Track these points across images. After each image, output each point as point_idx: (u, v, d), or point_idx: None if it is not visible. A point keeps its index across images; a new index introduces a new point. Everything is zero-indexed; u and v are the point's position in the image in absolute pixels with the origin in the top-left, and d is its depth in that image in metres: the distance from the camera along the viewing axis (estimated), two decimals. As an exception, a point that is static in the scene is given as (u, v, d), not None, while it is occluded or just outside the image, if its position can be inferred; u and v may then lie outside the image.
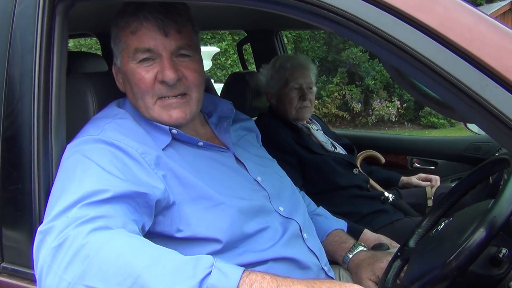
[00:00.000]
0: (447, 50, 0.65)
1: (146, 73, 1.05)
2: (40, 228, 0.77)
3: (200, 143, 1.10)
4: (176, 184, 0.97)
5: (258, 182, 1.14)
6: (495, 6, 13.60)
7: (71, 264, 0.71)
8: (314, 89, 1.99)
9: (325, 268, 1.18)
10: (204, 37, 8.53)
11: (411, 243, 1.16)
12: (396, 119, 10.39)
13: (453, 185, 1.90)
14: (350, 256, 1.29)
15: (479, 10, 0.68)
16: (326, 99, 9.95)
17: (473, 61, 0.64)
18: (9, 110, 0.90)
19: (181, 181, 0.97)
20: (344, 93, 10.26)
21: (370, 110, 10.42)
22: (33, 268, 0.76)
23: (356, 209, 1.78)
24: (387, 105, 10.33)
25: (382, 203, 1.83)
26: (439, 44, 0.65)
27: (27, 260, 0.87)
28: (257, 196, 1.11)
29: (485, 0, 14.54)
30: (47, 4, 0.93)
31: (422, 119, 10.59)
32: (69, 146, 0.93)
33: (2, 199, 0.89)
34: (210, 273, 0.67)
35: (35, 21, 0.92)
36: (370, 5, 0.68)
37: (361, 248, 1.31)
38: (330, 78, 10.19)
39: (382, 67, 10.36)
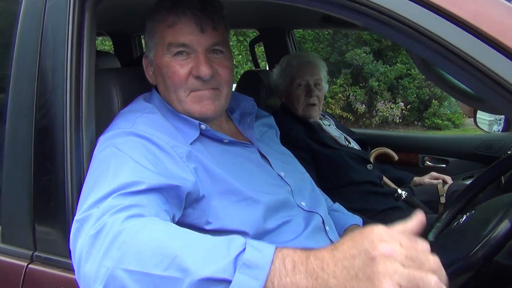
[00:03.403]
0: (480, 41, 0.67)
1: (181, 68, 1.07)
2: (76, 217, 0.78)
3: (226, 140, 1.12)
4: (205, 178, 0.98)
5: (281, 177, 1.16)
6: None
7: (109, 250, 0.73)
8: (325, 86, 2.01)
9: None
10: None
11: (430, 237, 1.17)
12: (400, 120, 10.40)
13: (465, 182, 1.92)
14: None
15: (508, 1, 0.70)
16: (330, 100, 9.96)
17: (505, 52, 0.66)
18: (42, 101, 0.92)
19: (210, 175, 0.99)
20: (348, 94, 10.27)
21: (374, 112, 10.43)
22: (70, 257, 0.78)
23: (370, 205, 1.79)
24: (391, 106, 10.35)
25: (395, 200, 1.85)
26: (472, 36, 0.67)
27: (59, 249, 0.89)
28: (281, 191, 1.12)
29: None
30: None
31: (426, 120, 10.59)
32: (101, 139, 0.94)
33: (35, 190, 0.91)
34: (244, 249, 0.68)
35: (66, 15, 0.94)
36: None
37: None
38: (333, 79, 10.20)
39: (387, 69, 10.38)
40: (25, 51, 0.96)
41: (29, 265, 0.90)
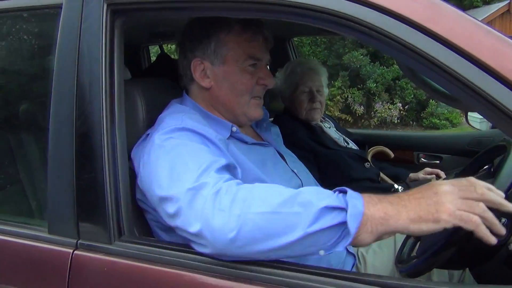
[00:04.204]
0: (453, 53, 0.81)
1: (251, 77, 1.25)
2: (188, 186, 0.93)
3: (250, 142, 1.29)
4: (240, 168, 1.14)
5: (295, 173, 1.33)
6: (493, 8, 13.76)
7: (234, 201, 0.88)
8: (326, 90, 2.16)
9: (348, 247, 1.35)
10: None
11: None
12: (398, 121, 10.52)
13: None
14: None
15: (477, 20, 0.84)
16: (329, 102, 10.08)
17: (474, 61, 0.80)
18: (81, 111, 1.06)
19: (242, 166, 1.15)
20: (346, 96, 10.40)
21: (372, 113, 10.55)
22: (110, 242, 0.92)
23: (368, 200, 1.93)
24: (389, 107, 10.47)
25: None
26: (447, 49, 0.81)
27: (100, 236, 1.03)
28: (295, 185, 1.28)
29: (482, 2, 14.71)
30: (108, 20, 1.08)
31: (424, 120, 10.70)
32: (156, 135, 1.09)
33: (77, 187, 1.05)
34: (346, 191, 0.89)
35: (100, 35, 1.07)
36: (391, 18, 0.84)
37: None
38: (332, 82, 10.34)
39: (383, 70, 10.52)
40: (63, 68, 1.10)
41: (75, 251, 1.04)
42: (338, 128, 2.22)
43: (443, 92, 0.97)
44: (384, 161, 2.28)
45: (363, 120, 10.49)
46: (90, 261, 1.03)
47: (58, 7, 1.13)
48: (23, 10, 1.22)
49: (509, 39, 0.79)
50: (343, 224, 0.85)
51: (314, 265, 0.96)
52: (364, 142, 2.23)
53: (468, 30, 0.82)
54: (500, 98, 0.78)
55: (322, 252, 0.88)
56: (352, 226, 0.83)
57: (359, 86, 10.51)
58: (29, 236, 1.11)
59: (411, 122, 10.78)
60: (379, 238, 0.87)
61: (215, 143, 1.10)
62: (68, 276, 1.02)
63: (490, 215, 0.83)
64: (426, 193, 0.86)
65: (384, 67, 10.62)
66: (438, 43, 0.82)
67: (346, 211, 0.84)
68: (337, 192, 0.90)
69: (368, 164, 2.05)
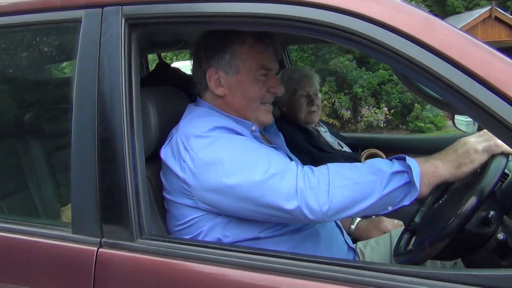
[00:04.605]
0: (446, 63, 0.91)
1: (262, 85, 1.36)
2: (273, 171, 1.13)
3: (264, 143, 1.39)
4: None
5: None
6: (475, 14, 14.09)
7: (319, 179, 1.11)
8: (320, 95, 2.27)
9: (347, 240, 1.45)
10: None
11: (417, 219, 1.42)
12: (385, 124, 10.70)
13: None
14: (353, 227, 1.74)
15: (467, 33, 0.95)
16: (316, 107, 10.22)
17: (463, 69, 0.90)
18: (103, 117, 1.14)
19: None
20: (333, 101, 10.54)
21: (359, 117, 10.71)
22: (133, 239, 1.00)
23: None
24: (376, 111, 10.64)
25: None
26: (440, 59, 0.91)
27: (123, 234, 1.11)
28: None
29: (465, 8, 15.04)
30: (126, 33, 1.17)
31: (410, 124, 10.90)
32: (192, 137, 1.22)
33: (100, 189, 1.13)
34: (403, 158, 1.13)
35: (119, 47, 1.15)
36: (391, 32, 0.94)
37: (358, 219, 1.75)
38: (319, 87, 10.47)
39: (369, 75, 10.70)
40: (84, 77, 1.18)
41: (99, 249, 1.11)
42: (332, 132, 2.33)
43: (436, 97, 1.07)
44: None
45: (350, 125, 10.64)
46: (115, 257, 1.10)
47: (78, 21, 1.21)
48: (45, 24, 1.29)
49: (496, 51, 0.90)
50: (408, 183, 1.10)
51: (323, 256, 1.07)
52: (357, 145, 2.34)
53: (459, 43, 0.92)
54: (488, 102, 0.88)
55: (390, 207, 1.14)
56: (417, 183, 1.08)
57: (345, 91, 10.67)
58: (54, 236, 1.19)
59: (398, 126, 10.96)
60: (432, 189, 1.13)
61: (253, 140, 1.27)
62: (94, 272, 1.09)
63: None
64: (457, 145, 1.14)
65: (370, 72, 10.81)
66: (432, 54, 0.92)
67: (408, 173, 1.09)
68: (394, 160, 1.14)
69: (361, 166, 2.15)
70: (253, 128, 1.36)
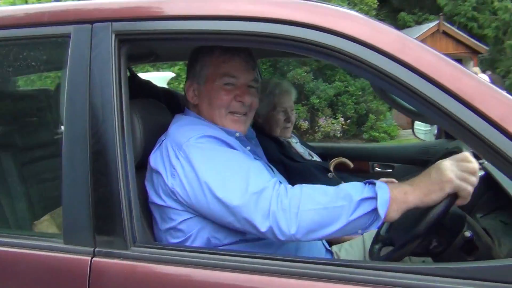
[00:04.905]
0: (419, 77, 1.01)
1: (227, 93, 1.42)
2: (253, 191, 1.18)
3: (248, 148, 1.47)
4: None
5: (280, 183, 1.49)
6: (424, 28, 14.76)
7: (291, 202, 1.15)
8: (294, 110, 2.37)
9: (324, 243, 1.54)
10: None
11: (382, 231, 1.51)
12: (341, 134, 11.00)
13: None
14: None
15: (437, 51, 1.05)
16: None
17: (435, 83, 1.00)
18: (95, 130, 1.17)
19: None
20: (291, 112, 10.71)
21: (316, 127, 10.95)
22: (126, 248, 1.04)
23: (333, 206, 2.13)
24: (332, 122, 10.93)
25: (353, 201, 2.20)
26: (414, 74, 1.01)
27: (117, 243, 1.14)
28: None
29: (415, 22, 15.73)
30: (116, 48, 1.21)
31: (365, 133, 11.25)
32: (185, 146, 1.28)
33: (94, 199, 1.15)
34: (374, 183, 1.15)
35: (110, 61, 1.19)
36: (369, 50, 1.03)
37: None
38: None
39: (326, 86, 10.99)
40: (75, 90, 1.21)
41: (93, 258, 1.14)
42: (302, 143, 2.42)
43: (408, 107, 1.17)
44: (343, 171, 2.50)
45: (308, 135, 10.86)
46: (109, 265, 1.13)
47: (67, 36, 1.24)
48: (33, 39, 1.31)
49: (463, 67, 1.01)
50: (375, 210, 1.12)
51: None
52: (326, 155, 2.44)
53: (431, 60, 1.03)
54: (457, 112, 0.98)
55: (360, 231, 1.17)
56: (381, 212, 1.11)
57: (303, 102, 10.89)
58: (44, 247, 1.20)
59: (353, 135, 11.28)
60: (402, 213, 1.14)
61: (234, 146, 1.33)
62: (88, 280, 1.12)
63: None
64: (431, 171, 1.15)
65: (327, 84, 11.10)
66: (407, 70, 1.02)
67: (376, 200, 1.11)
68: (367, 184, 1.14)
69: (331, 174, 2.26)
70: (237, 134, 1.45)
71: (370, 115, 11.12)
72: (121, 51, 1.23)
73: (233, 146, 1.35)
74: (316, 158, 2.34)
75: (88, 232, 1.16)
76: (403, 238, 1.25)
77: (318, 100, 10.89)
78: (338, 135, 10.90)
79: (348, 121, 11.10)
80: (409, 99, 1.06)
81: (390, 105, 1.21)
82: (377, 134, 11.10)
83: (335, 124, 10.87)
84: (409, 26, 15.73)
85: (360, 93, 11.23)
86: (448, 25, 14.61)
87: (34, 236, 1.28)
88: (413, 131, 2.70)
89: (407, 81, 1.02)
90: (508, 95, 0.99)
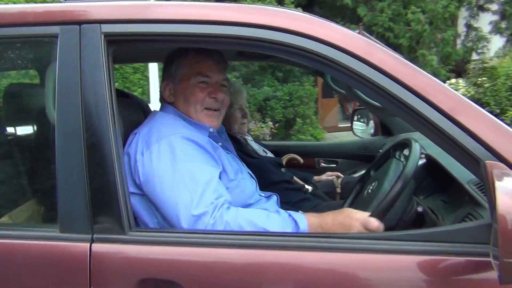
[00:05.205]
0: (383, 75, 1.20)
1: (201, 90, 1.56)
2: (193, 213, 1.28)
3: (220, 143, 1.57)
4: (223, 162, 1.47)
5: (250, 174, 1.63)
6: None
7: (226, 227, 1.27)
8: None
9: None
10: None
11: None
12: (270, 138, 11.27)
13: (353, 176, 2.53)
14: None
15: (396, 54, 1.25)
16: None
17: (396, 80, 1.19)
18: (89, 124, 1.24)
19: (223, 161, 1.48)
20: (222, 116, 10.83)
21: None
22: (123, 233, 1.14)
23: (287, 198, 2.29)
24: (261, 126, 11.17)
25: (304, 193, 2.39)
26: (379, 73, 1.20)
27: (114, 230, 1.22)
28: (253, 184, 1.65)
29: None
30: (105, 47, 1.29)
31: (293, 137, 11.61)
32: (153, 145, 1.38)
33: (91, 189, 1.22)
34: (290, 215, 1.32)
35: (100, 61, 1.27)
36: (339, 51, 1.20)
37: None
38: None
39: (255, 91, 11.24)
40: (66, 88, 1.27)
41: (92, 244, 1.21)
42: (256, 141, 2.57)
43: (373, 103, 1.37)
44: (292, 167, 2.69)
45: (238, 139, 11.02)
46: (109, 250, 1.21)
47: (54, 36, 1.30)
48: (20, 38, 1.35)
49: (419, 68, 1.21)
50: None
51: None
52: (278, 151, 2.62)
53: (393, 62, 1.22)
54: (415, 105, 1.18)
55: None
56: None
57: (233, 107, 11.04)
58: (40, 237, 1.25)
59: (282, 139, 11.61)
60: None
61: (204, 147, 1.42)
62: (89, 266, 1.19)
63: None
64: (344, 212, 1.39)
65: (256, 89, 11.34)
66: (372, 69, 1.21)
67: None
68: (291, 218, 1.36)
69: (284, 169, 2.43)
70: (211, 130, 1.57)
71: (298, 119, 11.51)
72: (109, 51, 1.32)
73: (206, 148, 1.45)
74: (269, 154, 2.50)
75: (86, 220, 1.23)
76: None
77: (247, 105, 11.05)
78: (268, 139, 11.15)
79: (277, 125, 11.39)
80: (374, 94, 1.24)
81: (357, 101, 1.39)
82: (304, 137, 11.48)
83: (264, 128, 11.11)
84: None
85: (287, 97, 11.60)
86: (367, 35, 15.49)
87: (26, 227, 1.31)
88: (352, 129, 2.95)
89: (373, 79, 1.21)
90: (454, 91, 1.21)
